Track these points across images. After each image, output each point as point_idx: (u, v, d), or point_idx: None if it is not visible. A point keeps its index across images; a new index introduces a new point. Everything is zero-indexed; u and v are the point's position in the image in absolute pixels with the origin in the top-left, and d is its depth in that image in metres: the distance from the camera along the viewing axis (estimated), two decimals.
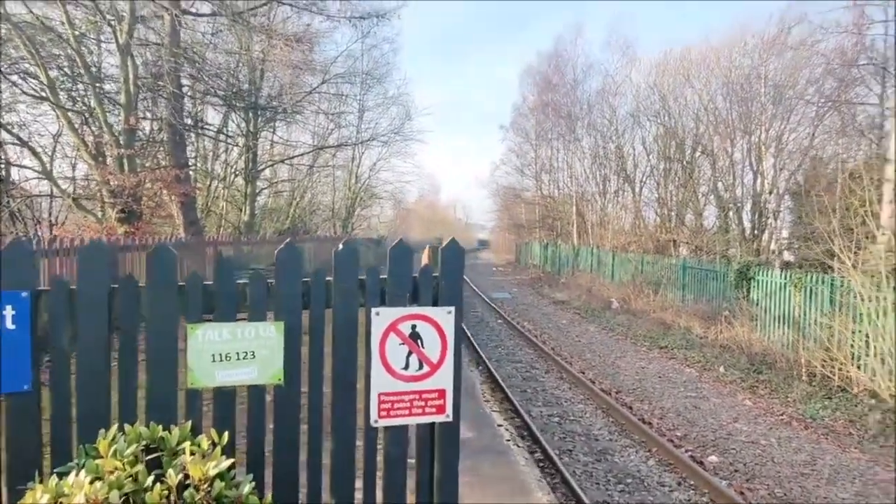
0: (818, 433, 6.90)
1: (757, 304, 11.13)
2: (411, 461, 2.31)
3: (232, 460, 1.94)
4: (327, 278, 2.18)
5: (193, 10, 12.05)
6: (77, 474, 1.72)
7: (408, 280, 2.25)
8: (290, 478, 2.16)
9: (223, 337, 2.07)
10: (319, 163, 24.36)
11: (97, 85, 11.28)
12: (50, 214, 13.62)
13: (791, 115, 17.46)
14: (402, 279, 2.24)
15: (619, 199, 26.05)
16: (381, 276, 2.23)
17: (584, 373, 9.72)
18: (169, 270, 2.03)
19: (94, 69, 12.19)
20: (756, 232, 18.67)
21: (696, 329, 12.32)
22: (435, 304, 2.27)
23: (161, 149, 13.73)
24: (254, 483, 2.02)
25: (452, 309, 2.27)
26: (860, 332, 7.95)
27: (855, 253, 7.96)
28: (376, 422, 2.21)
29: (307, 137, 24.04)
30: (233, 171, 19.12)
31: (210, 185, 18.62)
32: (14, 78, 11.39)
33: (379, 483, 2.26)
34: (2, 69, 10.78)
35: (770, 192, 17.72)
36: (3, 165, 12.21)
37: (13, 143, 12.17)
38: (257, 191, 19.82)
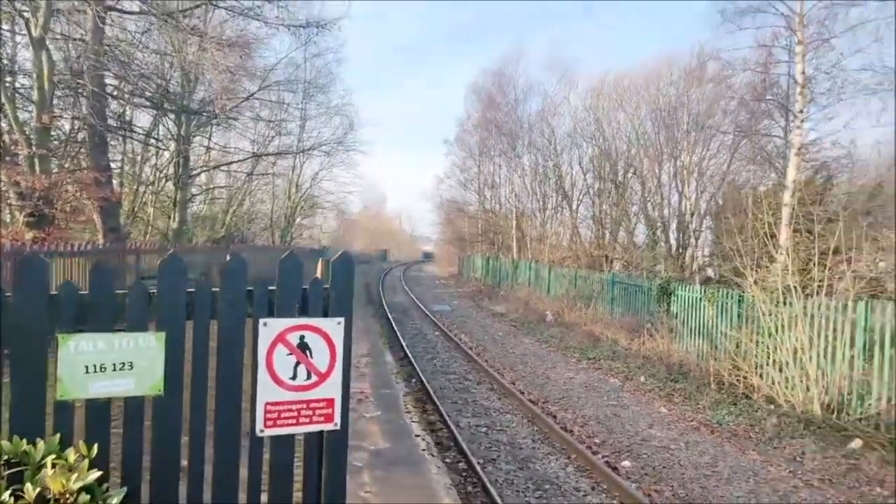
0: (722, 437, 7.39)
1: (676, 318, 11.83)
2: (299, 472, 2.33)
3: (99, 473, 1.89)
4: (214, 289, 2.18)
5: (119, 6, 11.53)
6: None
7: (297, 291, 2.29)
8: (168, 490, 2.12)
9: (98, 348, 2.02)
10: (259, 170, 23.76)
11: (7, 80, 10.55)
12: None
13: (711, 143, 18.84)
14: (292, 290, 2.28)
15: (557, 216, 27.00)
16: (271, 288, 2.26)
17: (514, 384, 9.94)
18: (39, 279, 1.97)
19: (6, 62, 11.39)
20: (681, 249, 19.88)
21: (622, 341, 12.91)
22: (325, 315, 2.32)
23: (81, 150, 12.96)
24: (125, 496, 1.98)
25: (342, 320, 2.32)
26: (762, 343, 8.63)
27: (756, 271, 8.68)
28: (262, 431, 2.22)
29: (246, 144, 23.44)
30: (163, 175, 18.29)
31: (138, 190, 17.72)
32: None
33: (265, 493, 2.26)
34: None
35: (692, 213, 18.95)
36: None
37: None
38: (190, 197, 19.04)
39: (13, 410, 1.98)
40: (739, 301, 9.72)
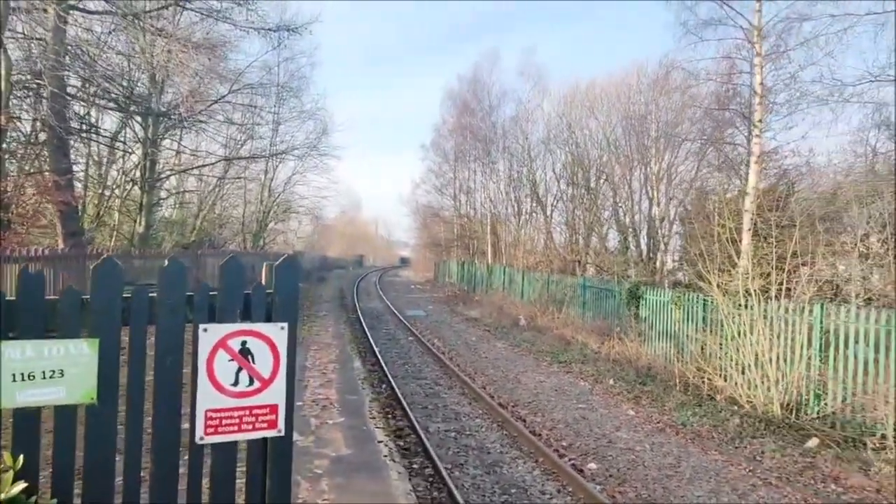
0: (686, 438, 7.53)
1: (644, 321, 12.03)
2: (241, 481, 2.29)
3: (25, 485, 1.83)
4: (150, 294, 2.14)
5: (82, 6, 11.24)
6: None
7: (239, 296, 2.25)
8: (102, 502, 2.06)
9: (27, 355, 1.95)
10: (230, 174, 23.37)
11: None
12: None
13: (679, 150, 19.30)
14: (234, 295, 2.24)
15: (532, 222, 27.26)
16: (212, 293, 2.22)
17: (485, 388, 9.96)
18: None
19: None
20: (651, 254, 20.27)
21: (592, 344, 13.07)
22: (269, 320, 2.29)
23: (42, 153, 12.57)
24: None
25: (286, 325, 2.30)
26: (725, 346, 8.85)
27: (719, 275, 8.90)
28: (202, 439, 2.17)
29: (217, 148, 23.04)
30: (129, 179, 17.83)
31: (103, 194, 17.24)
32: None
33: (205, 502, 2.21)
34: None
35: (662, 219, 19.35)
36: None
37: None
38: (157, 201, 18.60)
39: None
40: (704, 305, 9.95)
